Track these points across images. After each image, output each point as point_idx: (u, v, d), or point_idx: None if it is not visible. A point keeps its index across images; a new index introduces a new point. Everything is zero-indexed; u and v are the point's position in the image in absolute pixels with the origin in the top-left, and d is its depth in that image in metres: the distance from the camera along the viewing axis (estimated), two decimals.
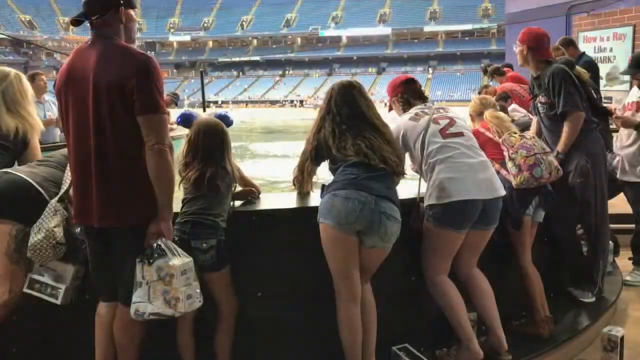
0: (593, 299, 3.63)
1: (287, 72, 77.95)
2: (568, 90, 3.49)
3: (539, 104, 3.70)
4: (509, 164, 3.06)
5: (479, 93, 6.63)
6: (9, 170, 2.65)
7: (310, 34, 77.98)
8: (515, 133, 3.14)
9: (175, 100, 8.57)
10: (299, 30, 78.79)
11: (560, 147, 3.53)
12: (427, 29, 74.52)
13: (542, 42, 3.66)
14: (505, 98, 5.56)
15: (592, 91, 3.87)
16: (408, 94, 3.09)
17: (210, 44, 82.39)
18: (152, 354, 2.57)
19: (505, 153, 3.08)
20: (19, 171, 2.63)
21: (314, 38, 78.62)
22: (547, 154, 3.11)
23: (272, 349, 2.79)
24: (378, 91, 61.72)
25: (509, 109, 5.02)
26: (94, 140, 2.28)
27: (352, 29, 75.93)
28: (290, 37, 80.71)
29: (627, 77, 6.62)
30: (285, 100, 66.39)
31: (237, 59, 77.27)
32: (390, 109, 3.23)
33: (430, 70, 70.80)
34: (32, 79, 5.96)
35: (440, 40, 75.25)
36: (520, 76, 6.25)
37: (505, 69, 6.75)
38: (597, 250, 3.68)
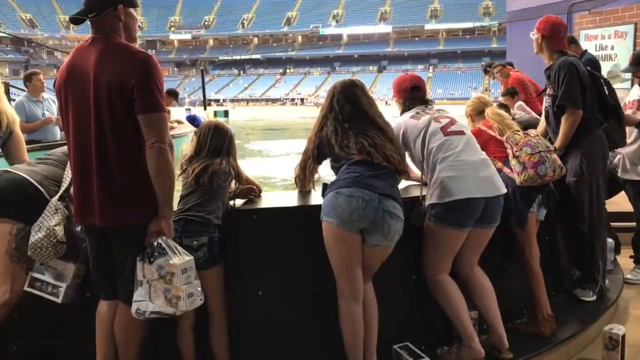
0: (594, 298, 3.62)
1: (287, 70, 77.92)
2: (570, 84, 3.44)
3: (547, 97, 3.66)
4: (513, 162, 3.05)
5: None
6: (8, 169, 2.65)
7: (311, 32, 77.92)
8: (519, 131, 3.13)
9: (174, 96, 8.51)
10: (299, 29, 78.73)
11: (557, 143, 3.50)
12: (428, 27, 74.40)
13: (558, 31, 3.61)
14: (512, 93, 5.55)
15: (605, 87, 3.69)
16: (410, 102, 3.06)
17: (211, 42, 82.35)
18: (153, 352, 2.57)
19: (509, 151, 3.08)
20: (19, 170, 2.62)
21: (314, 36, 78.56)
22: (551, 152, 3.10)
23: (273, 347, 2.79)
24: (379, 89, 61.78)
25: (515, 105, 5.01)
26: (94, 139, 2.27)
27: (353, 27, 75.90)
28: (291, 35, 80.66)
29: (628, 75, 6.61)
30: (286, 99, 66.37)
31: (238, 57, 77.16)
32: None
33: (431, 69, 70.71)
34: (29, 78, 5.97)
35: (441, 39, 75.14)
36: (523, 75, 6.25)
37: (506, 67, 6.76)
38: (595, 250, 3.65)
